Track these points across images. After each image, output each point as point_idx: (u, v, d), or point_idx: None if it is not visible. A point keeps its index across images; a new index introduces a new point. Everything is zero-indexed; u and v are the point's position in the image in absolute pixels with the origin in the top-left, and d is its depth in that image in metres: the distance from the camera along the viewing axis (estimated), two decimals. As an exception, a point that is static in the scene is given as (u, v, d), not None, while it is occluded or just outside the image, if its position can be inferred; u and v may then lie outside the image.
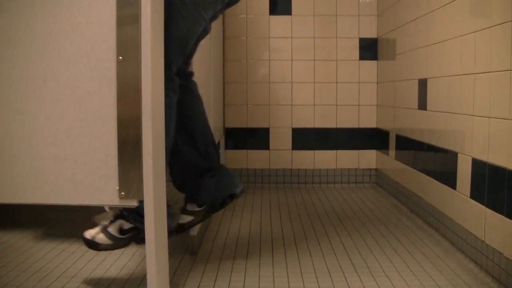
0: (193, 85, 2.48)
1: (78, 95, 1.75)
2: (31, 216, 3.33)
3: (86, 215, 3.27)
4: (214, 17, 2.32)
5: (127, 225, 2.19)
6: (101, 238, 2.15)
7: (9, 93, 1.77)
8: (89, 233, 2.16)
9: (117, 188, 1.75)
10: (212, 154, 2.50)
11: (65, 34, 1.75)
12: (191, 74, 2.46)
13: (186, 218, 2.49)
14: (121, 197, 1.75)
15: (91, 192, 1.77)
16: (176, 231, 2.42)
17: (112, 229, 2.17)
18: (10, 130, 1.77)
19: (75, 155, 1.76)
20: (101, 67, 1.74)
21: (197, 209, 2.50)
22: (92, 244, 2.16)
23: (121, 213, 2.17)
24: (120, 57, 1.72)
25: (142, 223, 1.96)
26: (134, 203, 1.76)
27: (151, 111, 1.73)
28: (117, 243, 2.19)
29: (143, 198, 1.74)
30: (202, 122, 2.49)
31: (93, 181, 1.76)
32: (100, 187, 1.76)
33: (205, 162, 2.48)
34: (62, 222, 3.23)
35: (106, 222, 2.19)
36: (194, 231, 2.62)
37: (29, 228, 3.06)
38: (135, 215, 2.17)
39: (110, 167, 1.75)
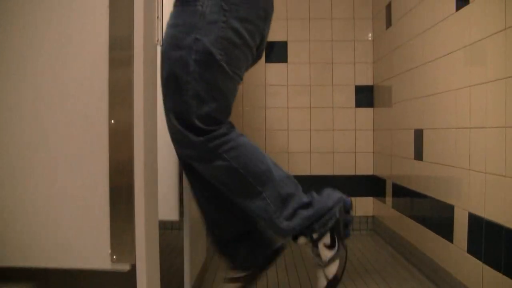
0: None
1: (70, 159, 1.74)
2: (23, 270, 3.29)
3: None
4: (244, 73, 2.38)
5: (326, 239, 2.19)
6: (334, 267, 2.21)
7: (2, 157, 1.76)
8: (326, 278, 2.22)
9: (109, 252, 1.73)
10: (249, 217, 2.46)
11: (54, 85, 1.75)
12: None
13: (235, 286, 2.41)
14: (113, 261, 1.73)
15: (82, 256, 1.75)
16: None
17: (325, 255, 2.22)
18: (1, 194, 1.76)
19: (66, 217, 1.74)
20: (93, 131, 1.73)
21: (244, 273, 2.44)
22: (335, 280, 2.23)
23: (314, 240, 2.23)
24: (112, 120, 1.72)
25: (332, 220, 2.20)
26: (126, 267, 1.74)
27: (143, 164, 1.71)
28: (340, 253, 2.26)
29: (135, 262, 1.72)
30: None
31: (84, 245, 1.74)
32: (92, 251, 1.74)
33: (243, 226, 2.45)
34: (56, 275, 3.19)
35: (319, 260, 2.24)
36: (189, 285, 2.59)
37: (20, 282, 3.03)
38: (319, 222, 2.25)
39: (102, 230, 1.73)
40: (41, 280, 3.09)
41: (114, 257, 1.73)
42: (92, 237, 1.75)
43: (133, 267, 1.74)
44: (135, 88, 1.71)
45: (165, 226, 4.30)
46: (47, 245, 1.77)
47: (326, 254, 2.21)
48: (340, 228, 2.28)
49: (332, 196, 2.33)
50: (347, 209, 2.34)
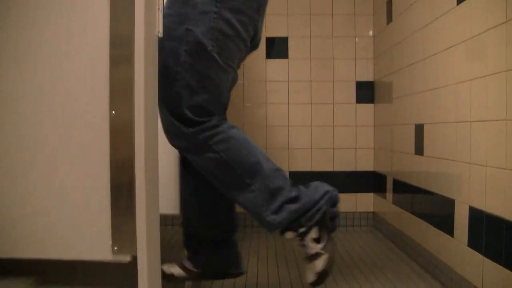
0: None
1: (70, 151, 1.74)
2: (25, 264, 3.29)
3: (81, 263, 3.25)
4: (239, 65, 2.36)
5: (314, 233, 2.20)
6: (324, 259, 2.20)
7: (1, 153, 1.77)
8: (312, 274, 2.23)
9: (110, 243, 1.73)
10: (228, 226, 2.49)
11: (55, 84, 1.75)
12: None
13: (179, 272, 2.45)
14: (114, 252, 1.73)
15: (83, 247, 1.75)
16: (165, 278, 2.38)
17: (311, 247, 2.22)
18: (2, 186, 1.76)
19: (67, 210, 1.75)
20: (92, 119, 1.73)
21: (193, 269, 2.47)
22: (325, 274, 2.24)
23: (300, 234, 2.24)
24: (113, 112, 1.72)
25: (318, 213, 2.20)
26: (127, 258, 1.74)
27: (144, 159, 1.72)
28: (328, 246, 2.25)
29: (136, 253, 1.73)
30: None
31: (85, 237, 1.75)
32: (93, 243, 1.74)
33: (218, 231, 2.48)
34: (56, 270, 3.19)
35: (307, 250, 2.24)
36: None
37: (23, 276, 3.03)
38: (305, 215, 2.24)
39: (102, 222, 1.74)
40: (41, 274, 3.09)
41: (115, 248, 1.73)
42: (93, 229, 1.75)
43: (134, 259, 1.74)
44: (136, 84, 1.72)
45: (165, 222, 4.31)
46: (47, 237, 1.77)
47: (313, 248, 2.21)
48: (327, 222, 2.27)
49: (319, 189, 2.32)
50: (334, 202, 2.33)
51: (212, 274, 2.52)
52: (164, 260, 2.04)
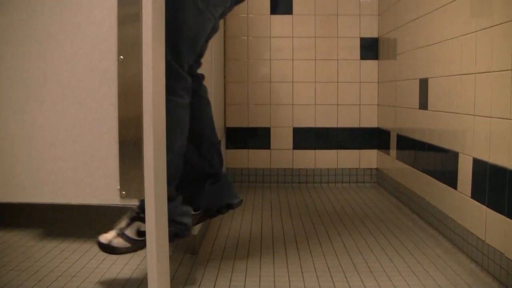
0: (203, 90, 2.46)
1: (78, 95, 1.75)
2: (31, 216, 3.33)
3: (85, 214, 3.28)
4: (222, 15, 2.33)
5: (144, 227, 2.18)
6: (119, 242, 2.11)
7: (9, 93, 1.77)
8: (104, 238, 2.12)
9: (118, 187, 1.75)
10: (215, 161, 2.47)
11: (66, 34, 1.75)
12: (202, 77, 2.45)
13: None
14: (122, 196, 1.75)
15: (91, 191, 1.77)
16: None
17: (130, 232, 2.14)
18: (10, 130, 1.77)
19: (75, 154, 1.76)
20: (102, 66, 1.74)
21: (193, 213, 2.46)
22: (109, 248, 2.12)
23: (138, 215, 2.13)
24: (121, 57, 1.72)
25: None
26: (135, 202, 1.76)
27: (152, 111, 1.72)
28: (135, 246, 2.15)
29: (144, 197, 1.74)
30: (209, 127, 2.47)
31: (93, 181, 1.76)
32: (101, 187, 1.76)
33: (208, 168, 2.45)
34: (62, 221, 3.22)
35: (123, 225, 2.14)
36: (195, 230, 2.62)
37: (29, 228, 3.06)
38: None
39: (110, 167, 1.75)
40: (49, 226, 3.13)
41: (123, 192, 1.75)
42: (100, 173, 1.76)
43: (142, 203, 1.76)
44: (144, 44, 1.72)
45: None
46: (55, 182, 1.79)
47: (130, 233, 2.18)
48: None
49: (185, 217, 2.28)
50: (180, 236, 2.30)
51: (216, 209, 2.50)
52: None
